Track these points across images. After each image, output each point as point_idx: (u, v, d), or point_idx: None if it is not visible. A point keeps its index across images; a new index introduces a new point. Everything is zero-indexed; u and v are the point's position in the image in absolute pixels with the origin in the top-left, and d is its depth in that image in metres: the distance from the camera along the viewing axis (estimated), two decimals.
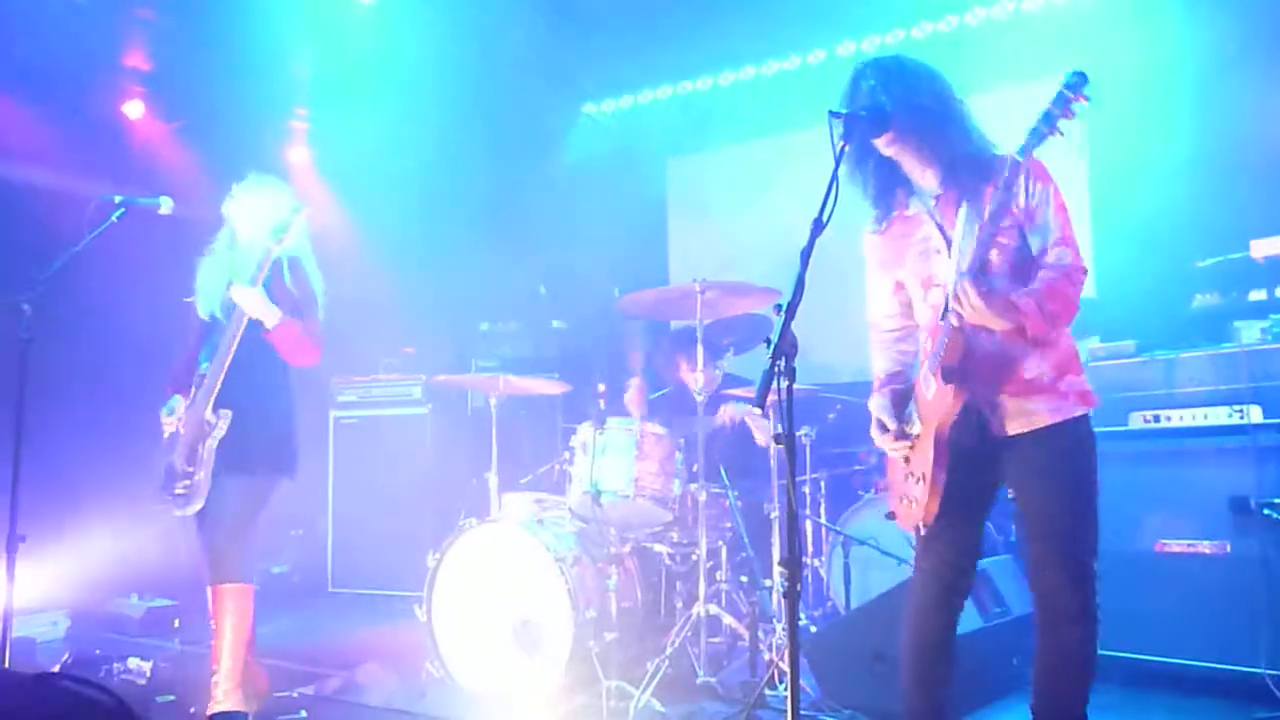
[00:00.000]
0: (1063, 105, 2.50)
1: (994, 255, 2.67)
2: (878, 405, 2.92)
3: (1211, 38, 5.31)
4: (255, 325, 3.70)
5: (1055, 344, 2.73)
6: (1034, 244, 2.70)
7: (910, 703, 2.91)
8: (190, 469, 3.73)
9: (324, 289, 4.00)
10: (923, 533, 2.85)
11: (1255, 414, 3.97)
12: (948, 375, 2.67)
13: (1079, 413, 2.71)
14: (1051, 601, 2.70)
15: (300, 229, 3.79)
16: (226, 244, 3.96)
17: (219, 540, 3.72)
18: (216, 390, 3.71)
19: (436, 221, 7.55)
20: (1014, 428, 2.71)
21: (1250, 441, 3.92)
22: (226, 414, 3.72)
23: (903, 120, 2.73)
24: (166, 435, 3.86)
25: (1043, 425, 2.69)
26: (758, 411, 2.38)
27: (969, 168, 2.69)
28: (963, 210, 2.68)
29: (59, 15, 5.70)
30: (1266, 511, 3.83)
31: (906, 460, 2.84)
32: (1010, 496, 2.90)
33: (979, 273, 2.59)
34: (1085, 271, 2.69)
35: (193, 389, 3.82)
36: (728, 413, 5.18)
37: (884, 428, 2.86)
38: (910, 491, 2.83)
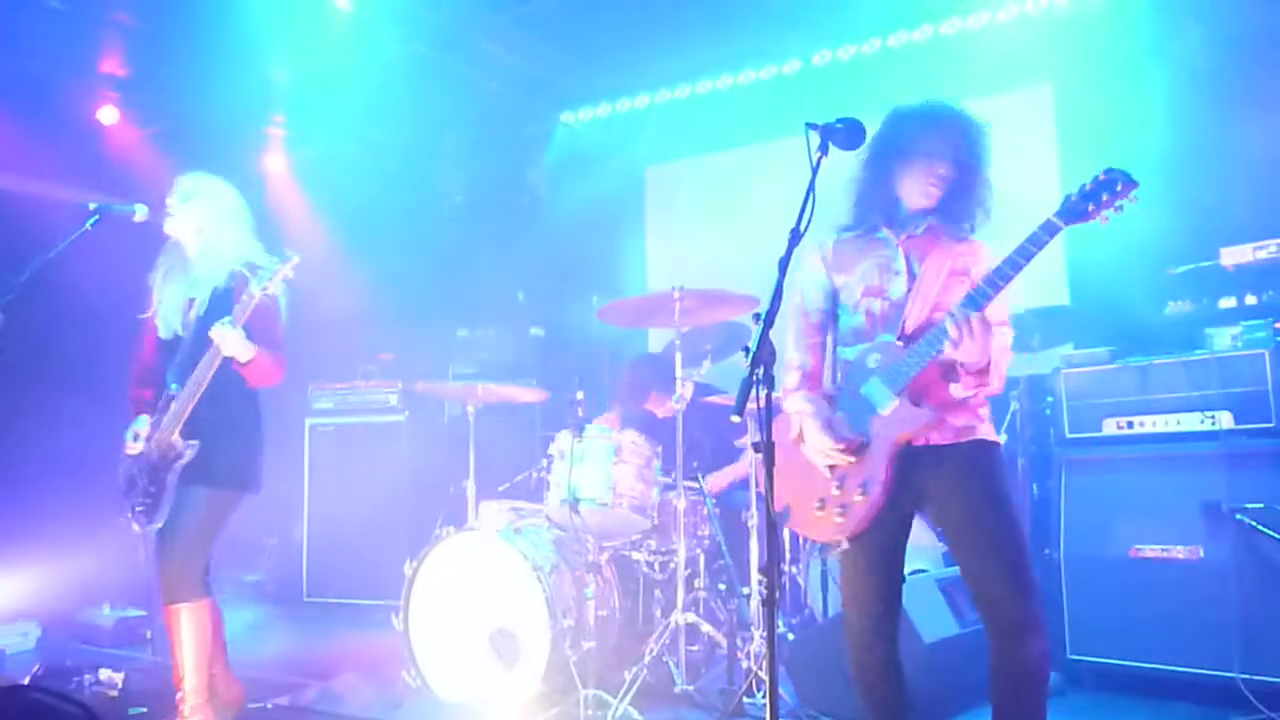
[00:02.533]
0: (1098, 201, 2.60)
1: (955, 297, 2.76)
2: (816, 407, 2.84)
3: (1183, 49, 5.38)
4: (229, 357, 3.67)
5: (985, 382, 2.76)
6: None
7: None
8: (153, 489, 3.69)
9: (286, 300, 3.94)
10: (844, 547, 2.81)
11: (1226, 420, 4.02)
12: (916, 398, 2.74)
13: (994, 438, 2.84)
14: (1005, 614, 2.68)
15: (289, 274, 3.68)
16: (179, 258, 3.89)
17: (176, 555, 3.66)
18: (186, 416, 3.67)
19: (414, 228, 7.54)
20: (936, 438, 2.76)
21: (1222, 447, 3.97)
22: (194, 444, 3.67)
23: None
24: (131, 455, 3.82)
25: (967, 439, 2.77)
26: (736, 419, 2.36)
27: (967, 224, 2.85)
28: (940, 254, 2.82)
29: (33, 20, 5.65)
30: (1239, 516, 3.87)
31: (836, 468, 2.79)
32: (929, 512, 2.95)
33: (982, 309, 2.63)
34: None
35: (158, 410, 3.78)
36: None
37: (837, 435, 2.77)
38: (844, 500, 2.77)
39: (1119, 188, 2.58)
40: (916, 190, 2.85)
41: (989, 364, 2.69)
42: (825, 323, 2.98)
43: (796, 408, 2.88)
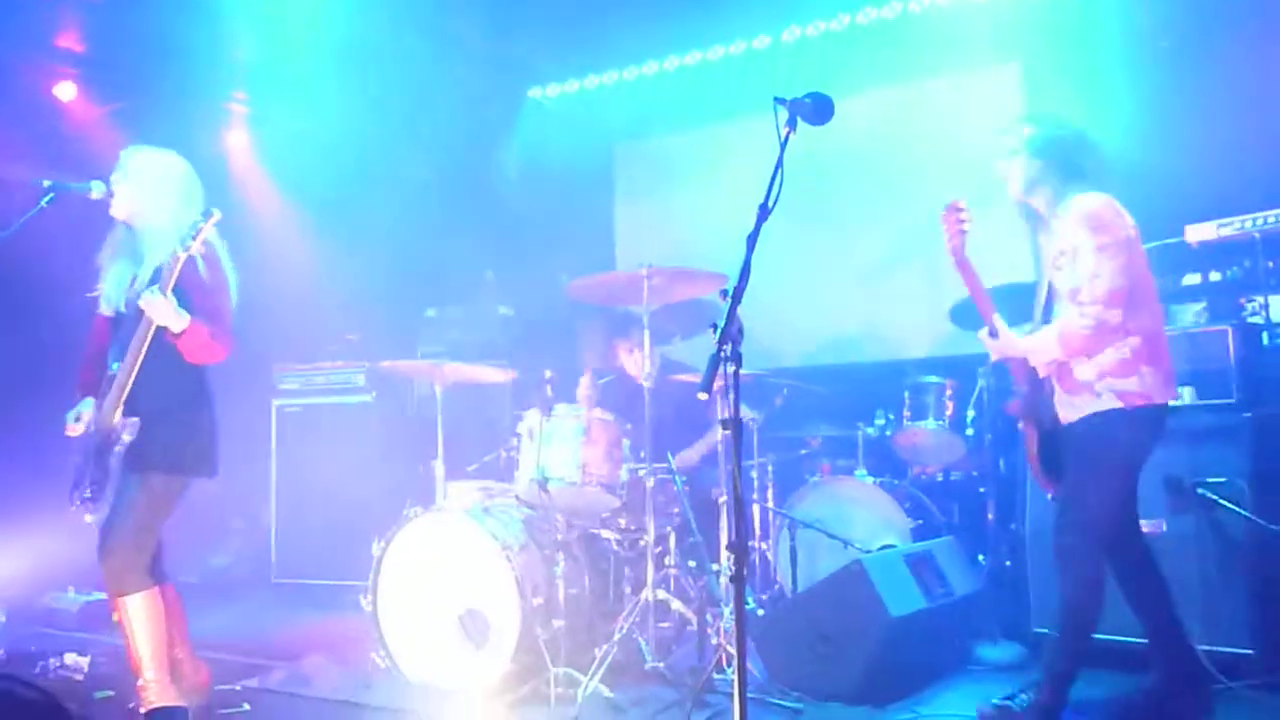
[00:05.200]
0: None
1: (1059, 284, 3.48)
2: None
3: (1148, 25, 5.42)
4: (164, 328, 3.56)
5: (1098, 354, 3.34)
6: (1067, 282, 3.41)
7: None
8: (98, 473, 3.61)
9: (237, 281, 3.83)
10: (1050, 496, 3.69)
11: (1188, 395, 4.06)
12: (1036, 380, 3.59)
13: (1110, 406, 3.33)
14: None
15: (211, 233, 3.58)
16: (127, 235, 3.79)
17: (118, 546, 3.58)
18: (125, 394, 3.58)
19: (380, 207, 7.45)
20: (1066, 417, 3.47)
21: (1184, 423, 4.01)
22: (134, 421, 3.59)
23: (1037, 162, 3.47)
24: (74, 437, 3.74)
25: (1076, 417, 3.41)
26: (703, 397, 2.37)
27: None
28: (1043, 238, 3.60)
29: None
30: (1200, 491, 3.93)
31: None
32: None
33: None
34: (1101, 306, 3.26)
35: (101, 392, 3.70)
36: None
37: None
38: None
39: None
40: None
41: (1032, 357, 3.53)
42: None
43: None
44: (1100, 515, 3.35)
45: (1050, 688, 3.35)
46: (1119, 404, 3.31)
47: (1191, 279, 4.55)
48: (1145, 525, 4.05)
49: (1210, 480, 3.93)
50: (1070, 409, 3.44)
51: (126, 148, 3.82)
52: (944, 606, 4.22)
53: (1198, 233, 4.53)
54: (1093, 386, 3.35)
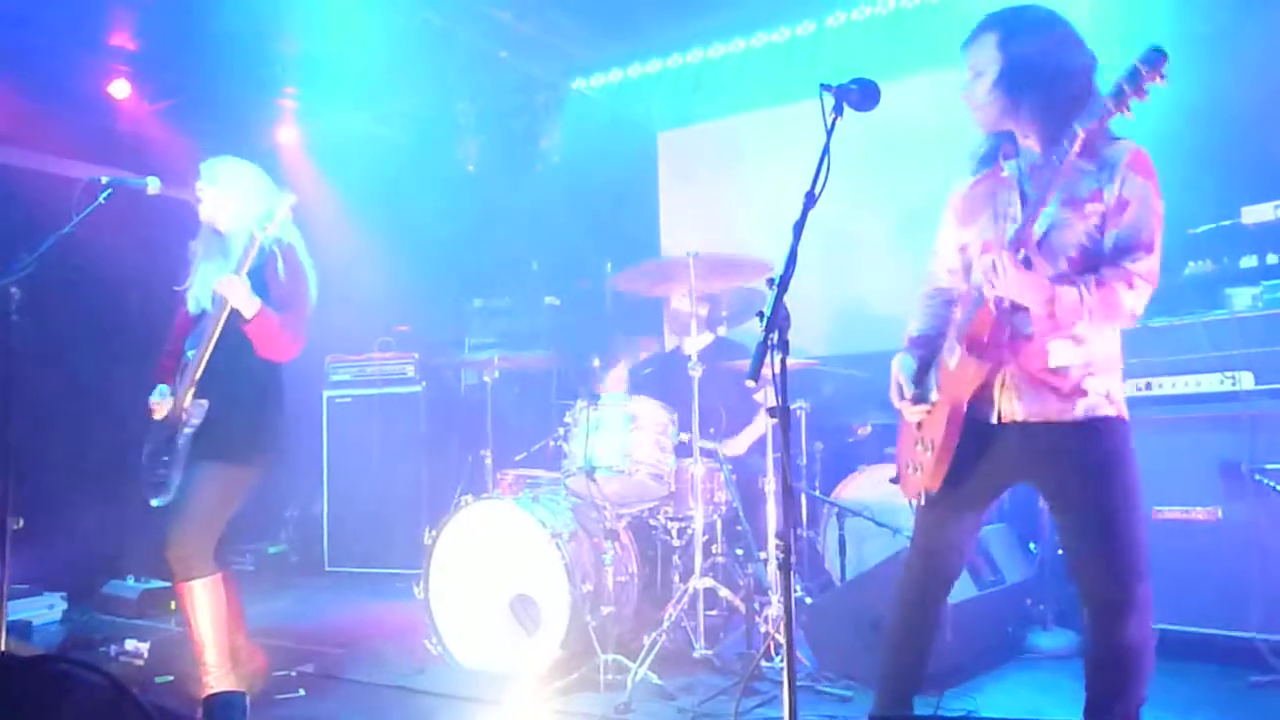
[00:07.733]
0: (1135, 82, 2.51)
1: (1066, 235, 2.57)
2: (901, 365, 2.86)
3: (1202, 4, 5.30)
4: (238, 315, 3.63)
5: (1092, 340, 2.59)
6: (1109, 238, 2.55)
7: (885, 669, 2.95)
8: (165, 458, 3.70)
9: (315, 278, 3.92)
10: (922, 503, 2.81)
11: (1247, 380, 3.98)
12: (972, 348, 2.61)
13: (1102, 413, 2.59)
14: (1092, 593, 2.60)
15: (286, 216, 3.69)
16: (215, 237, 3.87)
17: (186, 533, 3.65)
18: (197, 378, 3.67)
19: (427, 199, 7.52)
20: (1028, 414, 2.62)
21: (1242, 408, 3.94)
22: (202, 404, 3.67)
23: (1009, 77, 2.69)
24: (155, 419, 3.83)
25: (1056, 419, 2.59)
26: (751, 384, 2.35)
27: (1071, 139, 2.49)
28: (1057, 183, 2.51)
29: None
30: (1258, 477, 3.85)
31: (919, 426, 2.80)
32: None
33: (1025, 247, 2.53)
34: (1151, 284, 2.51)
35: (177, 376, 3.79)
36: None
37: (902, 391, 2.83)
38: (918, 459, 2.79)
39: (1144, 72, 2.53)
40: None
41: (1052, 309, 2.50)
42: (949, 283, 2.91)
43: (893, 369, 2.89)
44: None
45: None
46: (1112, 411, 2.60)
47: (1249, 261, 4.45)
48: (1202, 513, 4.01)
49: (1268, 466, 3.85)
50: (1032, 403, 2.61)
51: (206, 160, 3.91)
52: (995, 594, 4.18)
53: (1255, 214, 4.43)
54: (1079, 383, 2.58)
